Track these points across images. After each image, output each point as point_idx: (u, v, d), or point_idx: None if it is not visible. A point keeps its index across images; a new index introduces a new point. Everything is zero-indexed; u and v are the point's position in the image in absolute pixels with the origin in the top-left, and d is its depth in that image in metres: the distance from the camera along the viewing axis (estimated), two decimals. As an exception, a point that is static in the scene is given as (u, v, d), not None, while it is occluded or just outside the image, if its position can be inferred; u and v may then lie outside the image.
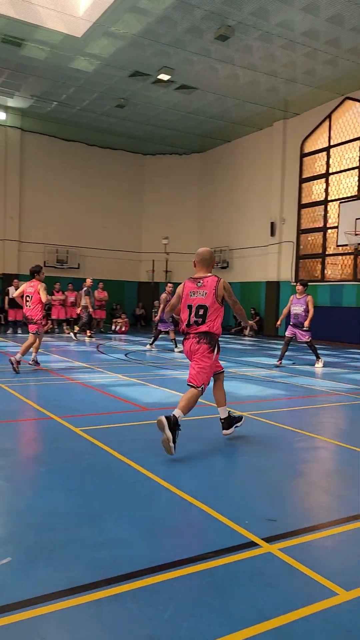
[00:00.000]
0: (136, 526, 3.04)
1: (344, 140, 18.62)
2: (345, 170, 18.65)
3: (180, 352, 13.41)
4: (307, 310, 11.36)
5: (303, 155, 20.26)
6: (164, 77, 18.02)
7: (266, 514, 3.28)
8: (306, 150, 20.19)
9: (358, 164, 18.09)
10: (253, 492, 3.69)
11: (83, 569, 2.52)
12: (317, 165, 19.85)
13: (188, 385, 4.85)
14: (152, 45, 16.04)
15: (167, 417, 4.32)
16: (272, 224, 21.05)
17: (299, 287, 11.57)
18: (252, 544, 2.83)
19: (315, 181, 19.96)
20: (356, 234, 15.34)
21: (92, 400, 6.99)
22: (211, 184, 25.64)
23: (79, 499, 3.44)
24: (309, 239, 20.21)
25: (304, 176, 20.30)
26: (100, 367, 10.07)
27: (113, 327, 20.84)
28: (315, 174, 19.87)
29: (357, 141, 18.07)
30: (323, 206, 19.55)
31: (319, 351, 12.11)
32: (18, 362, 8.76)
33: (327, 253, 19.38)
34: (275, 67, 17.14)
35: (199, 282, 5.03)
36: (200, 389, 4.78)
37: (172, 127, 23.23)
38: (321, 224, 19.63)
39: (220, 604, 2.27)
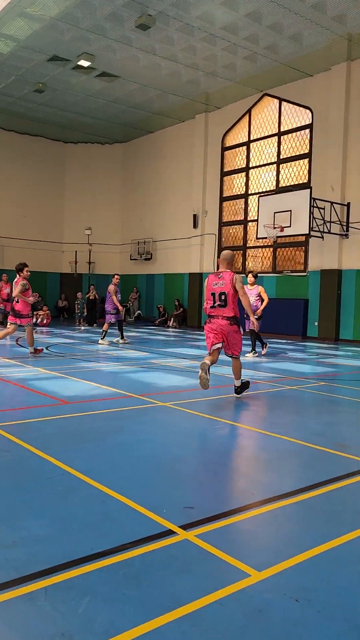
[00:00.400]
0: (53, 522, 2.96)
1: (263, 135, 19.12)
2: (264, 165, 19.18)
3: (107, 344, 13.28)
4: (259, 300, 12.03)
5: (224, 149, 20.60)
6: (84, 63, 17.62)
7: (184, 502, 3.31)
8: (227, 144, 20.54)
9: (276, 159, 18.65)
10: (173, 481, 3.71)
11: (-6, 570, 2.42)
12: (237, 159, 20.25)
13: (228, 355, 6.86)
14: (71, 29, 15.61)
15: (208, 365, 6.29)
16: (195, 216, 21.28)
17: (251, 278, 12.18)
18: (169, 532, 2.85)
19: (236, 175, 20.37)
20: (275, 227, 15.83)
21: (9, 395, 6.74)
22: (134, 174, 25.48)
23: (-8, 498, 3.30)
24: (231, 231, 20.63)
25: (225, 169, 20.66)
26: (19, 361, 9.75)
27: (34, 320, 20.23)
28: (236, 168, 20.28)
29: (275, 137, 18.62)
30: (244, 199, 20.00)
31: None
32: None
33: (248, 245, 19.87)
34: (196, 59, 17.25)
35: (220, 274, 6.74)
36: (238, 357, 6.80)
37: (94, 115, 22.81)
38: (242, 217, 20.09)
39: (135, 594, 2.26)
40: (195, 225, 21.31)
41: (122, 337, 14.24)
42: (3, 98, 21.36)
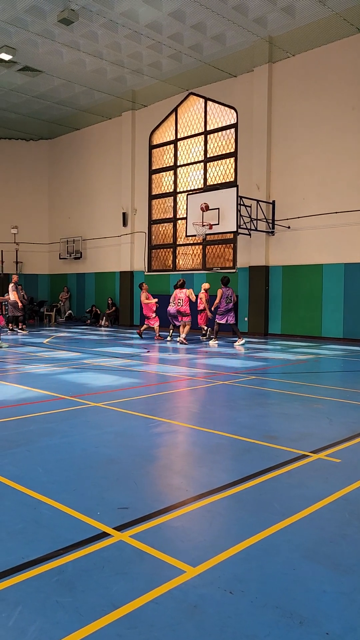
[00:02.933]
0: (-20, 533, 2.84)
1: (189, 134, 19.30)
2: (192, 163, 19.36)
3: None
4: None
5: (152, 147, 20.61)
6: (5, 56, 17.01)
7: (119, 502, 3.29)
8: (155, 142, 20.56)
9: (203, 158, 18.89)
10: (106, 483, 3.67)
11: None
12: (165, 157, 20.33)
13: None
14: (-10, 21, 15.02)
15: None
16: (124, 214, 21.15)
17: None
18: (103, 535, 2.81)
19: (164, 173, 20.44)
20: (203, 225, 16.03)
21: None
22: (62, 172, 24.96)
23: None
24: (161, 229, 20.69)
25: (154, 167, 20.68)
26: None
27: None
28: (164, 166, 20.35)
29: (202, 136, 18.85)
30: (172, 197, 20.11)
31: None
32: None
33: (178, 243, 20.00)
34: (121, 56, 17.13)
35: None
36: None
37: (17, 111, 22.09)
38: (171, 215, 20.19)
39: (69, 600, 2.21)
40: (125, 224, 21.18)
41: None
42: None
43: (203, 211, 15.83)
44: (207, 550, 2.68)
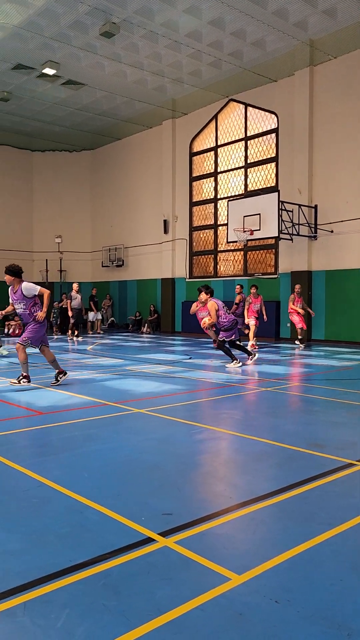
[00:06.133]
0: (28, 536, 2.92)
1: (229, 140, 19.31)
2: (232, 170, 19.35)
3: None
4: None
5: (192, 154, 20.73)
6: (49, 71, 17.52)
7: (163, 508, 3.31)
8: (195, 150, 20.67)
9: (244, 164, 18.85)
10: (150, 489, 3.69)
11: (-31, 588, 2.37)
12: (206, 164, 20.40)
13: None
14: (35, 38, 15.52)
15: None
16: (165, 222, 21.32)
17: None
18: (148, 540, 2.84)
19: (204, 179, 20.50)
20: (244, 231, 15.98)
21: (-18, 409, 6.62)
22: (103, 181, 25.41)
23: (-34, 514, 3.24)
24: (201, 236, 20.74)
25: (194, 175, 20.78)
26: (-9, 373, 9.59)
27: (6, 330, 19.96)
28: (205, 173, 20.41)
29: (242, 141, 18.83)
30: (213, 204, 20.14)
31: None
32: None
33: (219, 249, 20.00)
34: (162, 66, 17.34)
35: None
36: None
37: (61, 123, 22.69)
38: (212, 222, 20.21)
39: (115, 604, 2.24)
40: (166, 231, 21.35)
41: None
42: (-33, 107, 21.06)
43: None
44: (251, 558, 2.66)
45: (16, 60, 16.93)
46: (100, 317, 21.86)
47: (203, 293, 10.79)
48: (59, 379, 8.19)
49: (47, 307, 7.93)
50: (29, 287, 7.87)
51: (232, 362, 10.62)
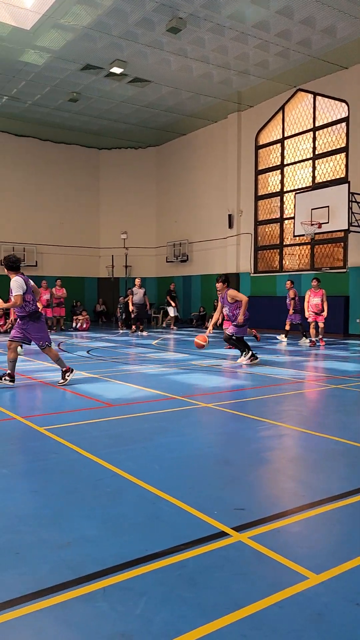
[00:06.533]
0: (103, 523, 2.98)
1: (297, 131, 18.89)
2: (299, 162, 18.93)
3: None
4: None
5: (258, 147, 20.45)
6: (116, 70, 17.81)
7: (234, 503, 3.29)
8: (261, 142, 20.38)
9: (312, 155, 18.39)
10: (221, 483, 3.69)
11: (50, 571, 2.46)
12: (272, 156, 20.07)
13: None
14: (103, 37, 15.82)
15: None
16: (230, 216, 21.19)
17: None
18: (222, 534, 2.83)
19: (270, 173, 20.19)
20: (312, 224, 15.60)
21: (55, 399, 6.86)
22: (168, 177, 25.59)
23: (43, 500, 3.36)
24: (267, 230, 20.45)
25: (260, 168, 20.50)
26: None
27: (74, 325, 20.57)
28: (271, 166, 20.10)
29: (310, 132, 18.36)
30: (279, 197, 19.80)
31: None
32: None
33: (284, 244, 19.65)
34: (228, 59, 17.19)
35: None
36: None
37: (127, 121, 23.04)
38: (278, 215, 19.88)
39: (192, 595, 2.25)
40: (230, 225, 21.22)
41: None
42: (39, 109, 21.83)
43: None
44: (328, 558, 2.59)
45: (85, 60, 17.34)
46: (176, 312, 21.58)
47: (220, 282, 10.19)
48: (66, 377, 7.66)
49: (4, 307, 7.84)
50: (14, 284, 7.20)
51: (246, 355, 10.08)
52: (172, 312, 21.36)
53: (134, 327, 18.43)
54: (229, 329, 10.27)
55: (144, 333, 17.99)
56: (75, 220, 25.84)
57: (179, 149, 24.74)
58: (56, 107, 21.54)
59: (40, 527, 2.94)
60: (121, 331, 19.94)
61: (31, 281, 7.62)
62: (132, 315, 18.13)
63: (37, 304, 8.11)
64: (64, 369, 7.71)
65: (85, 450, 4.37)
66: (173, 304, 21.49)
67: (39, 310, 7.55)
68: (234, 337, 10.18)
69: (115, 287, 26.07)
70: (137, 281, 18.64)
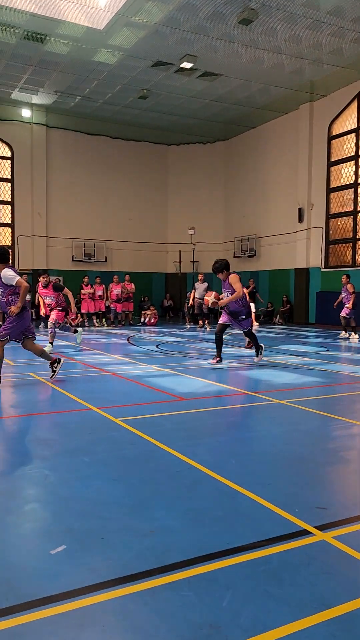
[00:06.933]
0: (184, 514, 3.01)
1: (373, 120, 18.17)
2: (375, 152, 18.20)
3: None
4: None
5: (331, 138, 19.86)
6: (186, 65, 17.84)
7: (315, 502, 3.22)
8: (334, 133, 19.78)
9: (388, 145, 17.64)
10: (300, 480, 3.62)
11: (135, 557, 2.51)
12: (345, 147, 19.43)
13: None
14: (174, 33, 15.88)
15: None
16: (300, 210, 20.74)
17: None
18: (304, 532, 2.78)
19: (344, 164, 19.55)
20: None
21: (128, 391, 7.00)
22: (236, 171, 25.38)
23: (124, 488, 3.43)
24: (339, 223, 19.84)
25: (333, 159, 19.90)
26: (132, 359, 10.10)
27: (142, 319, 20.90)
28: (344, 157, 19.46)
29: (387, 121, 17.61)
30: (353, 189, 19.15)
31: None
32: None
33: (358, 237, 19.00)
34: (300, 48, 16.78)
35: None
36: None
37: (196, 116, 23.04)
38: (351, 208, 19.24)
39: (278, 592, 2.22)
40: (300, 219, 20.77)
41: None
42: (109, 107, 22.28)
43: None
44: None
45: (155, 57, 17.48)
46: (254, 309, 21.16)
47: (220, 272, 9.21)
48: (54, 369, 7.42)
49: (22, 302, 6.84)
50: (7, 275, 6.82)
51: (259, 353, 9.36)
52: (253, 308, 21.06)
53: (200, 322, 18.65)
54: (244, 323, 9.15)
55: (207, 328, 18.06)
56: (144, 216, 26.20)
57: (248, 142, 24.46)
58: (126, 104, 21.89)
59: (123, 514, 3.01)
60: (188, 326, 20.03)
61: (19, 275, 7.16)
62: (191, 310, 18.44)
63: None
64: (50, 362, 7.43)
65: (160, 442, 4.43)
66: (253, 300, 21.07)
67: (25, 305, 7.04)
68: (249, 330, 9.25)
69: (183, 282, 26.23)
70: (200, 276, 18.76)
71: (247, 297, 9.57)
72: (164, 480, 3.58)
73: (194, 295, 18.27)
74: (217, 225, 26.58)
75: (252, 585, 2.27)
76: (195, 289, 18.22)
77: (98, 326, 19.09)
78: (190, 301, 18.38)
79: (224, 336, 9.46)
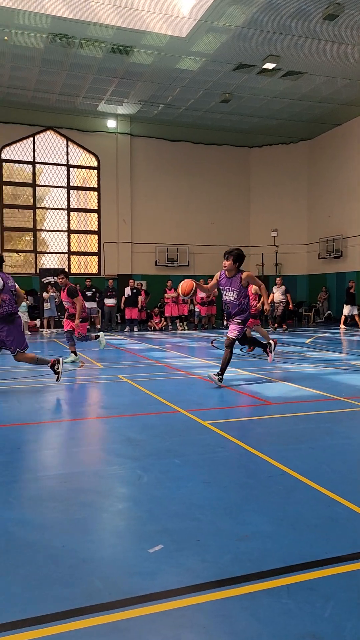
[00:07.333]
0: (279, 520, 2.96)
1: None
2: None
3: None
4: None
5: None
6: (269, 65, 17.64)
7: None
8: None
9: None
10: None
11: (232, 561, 2.50)
12: None
13: None
14: (256, 35, 15.77)
15: None
16: (391, 208, 19.79)
17: None
18: None
19: None
20: None
21: (215, 395, 7.00)
22: (321, 170, 24.72)
23: (216, 491, 3.43)
24: None
25: None
26: (217, 362, 10.09)
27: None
28: None
29: None
30: None
31: None
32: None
33: None
34: (390, 40, 16.06)
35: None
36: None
37: (278, 117, 22.72)
38: None
39: (383, 607, 2.13)
40: (390, 218, 19.83)
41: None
42: (192, 113, 22.51)
43: None
44: None
45: (238, 60, 17.45)
46: (356, 311, 20.09)
47: (231, 260, 7.32)
48: (57, 370, 7.12)
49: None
50: None
51: (270, 351, 8.69)
52: (346, 310, 20.14)
53: (284, 325, 18.40)
54: (233, 330, 7.85)
55: (280, 330, 17.86)
56: (226, 220, 26.18)
57: (334, 140, 23.75)
58: (208, 109, 22.02)
59: (217, 517, 3.01)
60: (272, 329, 19.74)
61: (12, 280, 6.92)
62: (273, 313, 18.37)
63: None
64: (50, 365, 7.16)
65: (251, 446, 4.39)
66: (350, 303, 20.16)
67: (16, 312, 6.87)
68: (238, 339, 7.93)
69: (266, 285, 25.86)
70: (278, 280, 18.53)
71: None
72: (255, 484, 3.55)
73: (272, 299, 18.06)
74: (301, 226, 26.01)
75: (354, 598, 2.19)
76: (273, 293, 18.03)
77: (181, 330, 19.31)
78: (266, 305, 18.07)
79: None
